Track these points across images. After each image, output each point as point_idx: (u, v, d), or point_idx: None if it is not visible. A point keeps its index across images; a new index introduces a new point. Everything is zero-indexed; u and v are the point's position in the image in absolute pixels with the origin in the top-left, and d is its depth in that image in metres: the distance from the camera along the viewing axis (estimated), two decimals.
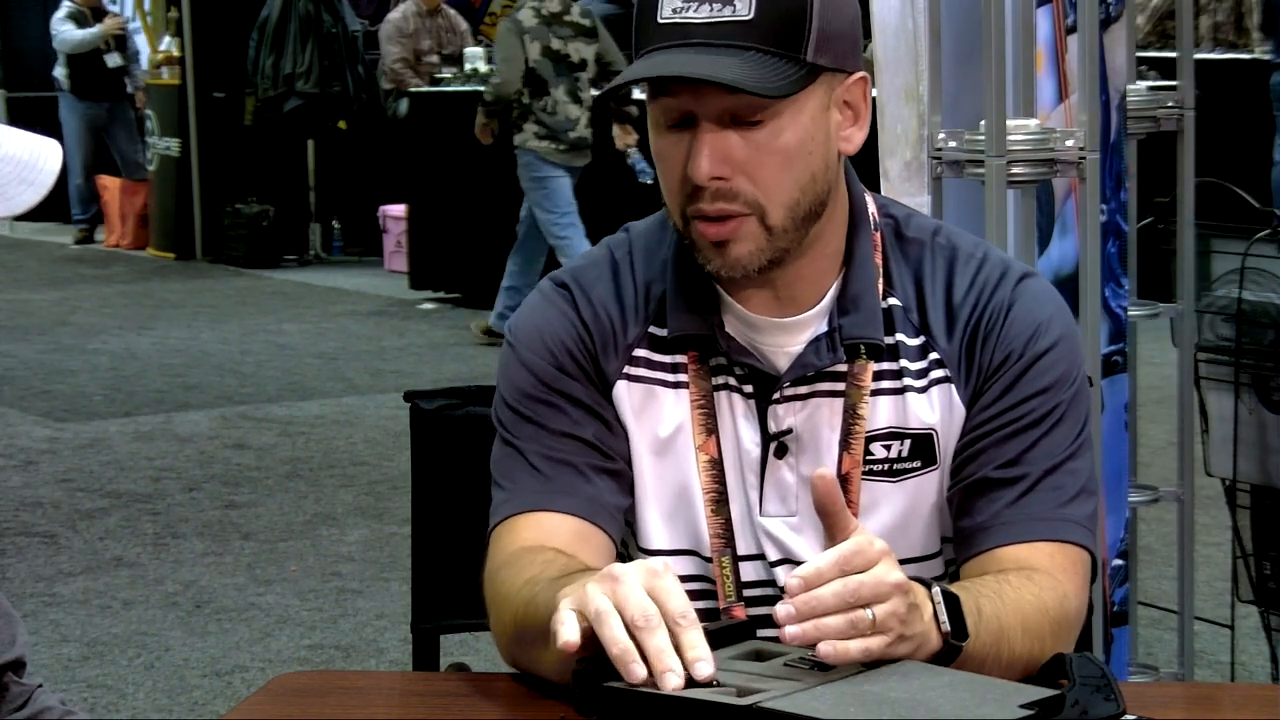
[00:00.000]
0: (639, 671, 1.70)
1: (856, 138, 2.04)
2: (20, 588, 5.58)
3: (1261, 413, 4.00)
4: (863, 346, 2.03)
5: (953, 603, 1.82)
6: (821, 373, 2.04)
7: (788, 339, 2.04)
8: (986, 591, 1.91)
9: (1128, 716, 1.73)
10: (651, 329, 2.08)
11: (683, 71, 1.92)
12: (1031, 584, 1.95)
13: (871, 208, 2.10)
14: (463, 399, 2.43)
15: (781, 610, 1.73)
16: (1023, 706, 1.68)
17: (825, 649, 1.72)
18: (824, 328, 2.04)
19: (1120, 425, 3.68)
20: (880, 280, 2.06)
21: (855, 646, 1.73)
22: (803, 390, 2.04)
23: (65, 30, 13.81)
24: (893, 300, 2.07)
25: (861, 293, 2.04)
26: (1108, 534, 3.54)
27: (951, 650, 1.82)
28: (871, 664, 1.77)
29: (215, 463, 7.19)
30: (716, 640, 1.83)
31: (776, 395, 2.04)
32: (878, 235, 2.08)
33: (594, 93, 9.16)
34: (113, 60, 13.72)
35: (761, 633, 1.90)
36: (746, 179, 1.96)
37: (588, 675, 1.74)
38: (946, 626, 1.81)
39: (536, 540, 2.01)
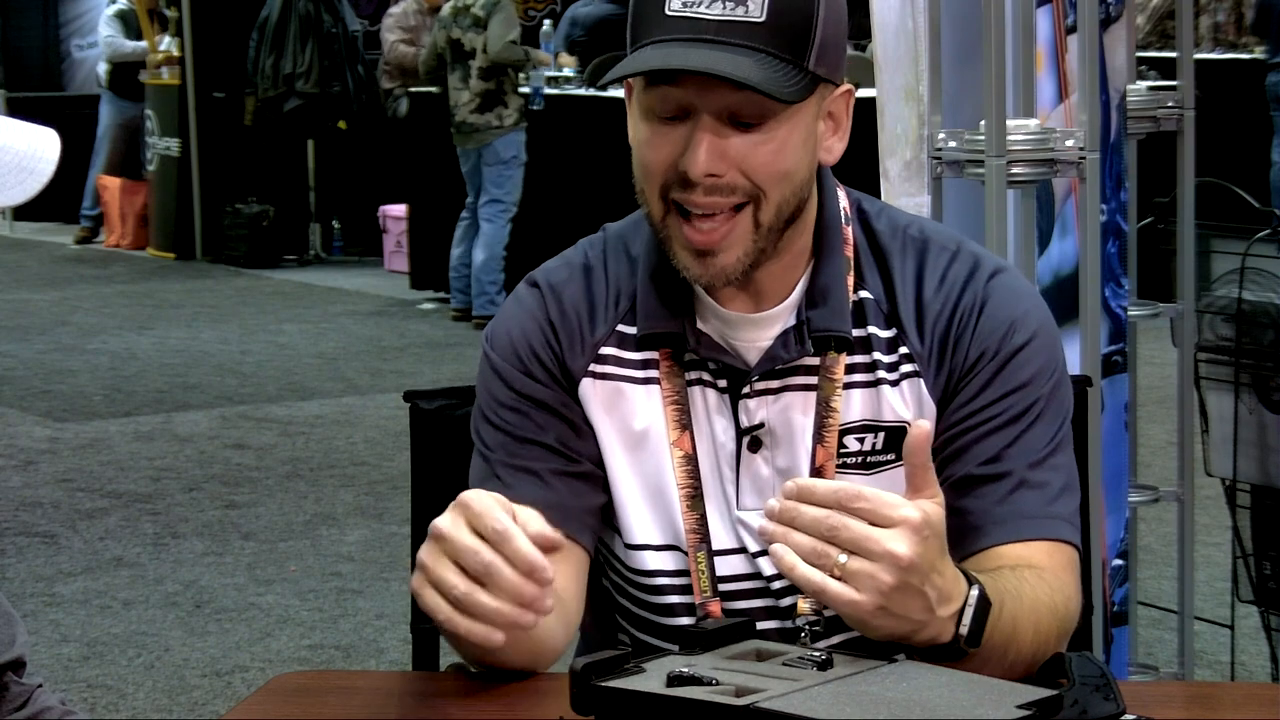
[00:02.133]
0: (489, 635, 1.75)
1: (836, 149, 2.05)
2: (20, 588, 5.58)
3: (1261, 413, 4.00)
4: (832, 340, 2.04)
5: (983, 609, 1.82)
6: (793, 366, 2.04)
7: (758, 333, 2.05)
8: (1010, 589, 1.90)
9: (1127, 716, 1.73)
10: (620, 327, 2.08)
11: (703, 67, 1.90)
12: (1044, 584, 1.95)
13: (844, 201, 2.10)
14: (463, 399, 2.43)
15: (768, 504, 1.75)
16: (1020, 707, 1.68)
17: (778, 550, 1.73)
18: (793, 321, 2.05)
19: (1120, 425, 3.68)
20: (851, 273, 2.06)
21: (814, 576, 1.73)
22: (774, 384, 2.05)
23: (114, 38, 13.78)
24: (864, 293, 2.07)
25: (830, 285, 2.04)
26: (1108, 534, 3.54)
27: (958, 651, 1.81)
28: (869, 664, 1.77)
29: (215, 463, 7.19)
30: (716, 640, 1.83)
31: (747, 389, 2.04)
32: (849, 229, 2.09)
33: (482, 83, 9.82)
34: None
35: (760, 625, 1.91)
36: (741, 175, 1.96)
37: (583, 675, 1.73)
38: (965, 629, 1.81)
39: None
